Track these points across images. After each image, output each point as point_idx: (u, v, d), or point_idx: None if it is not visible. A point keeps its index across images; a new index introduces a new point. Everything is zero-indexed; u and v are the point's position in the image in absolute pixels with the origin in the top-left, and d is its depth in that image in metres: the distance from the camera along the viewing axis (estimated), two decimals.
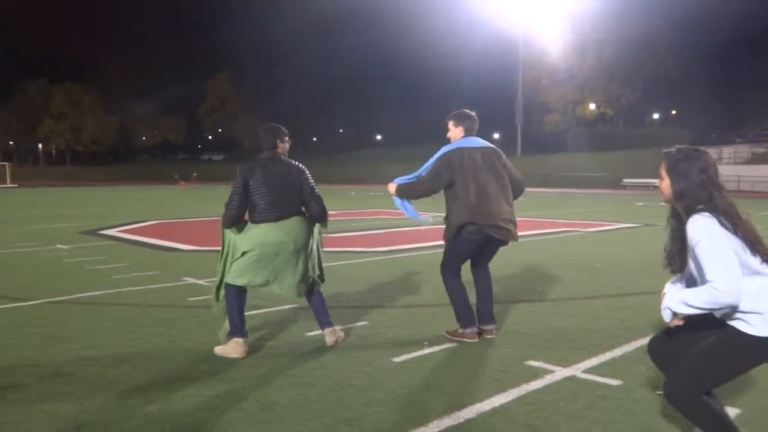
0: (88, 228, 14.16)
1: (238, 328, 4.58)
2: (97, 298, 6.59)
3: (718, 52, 65.19)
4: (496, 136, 74.80)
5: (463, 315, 4.94)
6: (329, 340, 4.77)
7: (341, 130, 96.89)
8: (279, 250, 4.50)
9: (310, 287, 4.76)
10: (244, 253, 4.55)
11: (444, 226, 5.00)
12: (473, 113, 5.12)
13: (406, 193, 5.14)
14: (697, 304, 2.61)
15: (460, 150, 4.88)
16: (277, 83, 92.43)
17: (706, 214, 2.65)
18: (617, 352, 4.59)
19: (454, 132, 5.05)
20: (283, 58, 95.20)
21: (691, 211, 2.70)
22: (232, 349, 4.50)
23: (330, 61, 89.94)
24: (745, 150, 49.11)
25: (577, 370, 4.19)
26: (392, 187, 5.18)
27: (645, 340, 4.02)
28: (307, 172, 4.76)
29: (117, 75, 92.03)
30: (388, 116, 77.54)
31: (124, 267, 8.56)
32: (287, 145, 4.80)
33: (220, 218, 4.71)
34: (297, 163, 4.75)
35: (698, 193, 2.72)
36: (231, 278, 4.58)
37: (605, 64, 66.26)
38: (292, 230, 4.54)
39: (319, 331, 4.92)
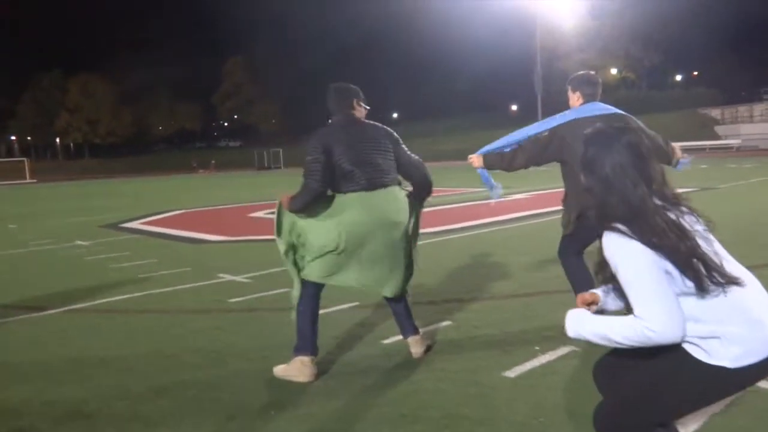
0: (109, 221, 13.28)
1: (308, 343, 3.59)
2: (123, 303, 5.66)
3: (742, 8, 62.77)
4: (514, 107, 73.29)
5: None
6: (416, 350, 3.78)
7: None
8: (377, 231, 3.50)
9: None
10: (330, 242, 3.52)
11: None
12: (594, 74, 4.21)
13: (497, 163, 4.21)
14: (619, 341, 1.89)
15: (576, 121, 3.96)
16: (290, 65, 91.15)
17: (620, 231, 1.88)
18: None
19: (572, 99, 4.16)
20: (296, 38, 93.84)
21: (601, 222, 1.94)
22: (298, 370, 3.53)
23: (342, 37, 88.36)
24: None
25: None
26: (477, 159, 4.26)
27: None
28: (397, 135, 3.76)
29: (131, 65, 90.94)
30: (401, 92, 76.04)
31: (150, 264, 7.64)
32: (364, 111, 3.80)
33: (281, 200, 3.68)
34: (382, 125, 3.76)
35: (608, 194, 1.95)
36: (315, 274, 3.57)
37: (626, 26, 64.18)
38: (391, 205, 3.56)
39: (398, 338, 3.95)
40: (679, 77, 74.73)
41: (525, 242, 7.81)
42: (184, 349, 4.21)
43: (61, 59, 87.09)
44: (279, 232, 3.70)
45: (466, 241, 8.15)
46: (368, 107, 3.83)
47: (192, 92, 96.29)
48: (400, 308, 3.79)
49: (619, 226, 1.89)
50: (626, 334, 1.87)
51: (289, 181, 30.27)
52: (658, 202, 1.95)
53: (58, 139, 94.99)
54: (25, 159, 60.93)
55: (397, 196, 3.62)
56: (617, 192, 1.93)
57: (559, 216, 4.19)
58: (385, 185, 3.57)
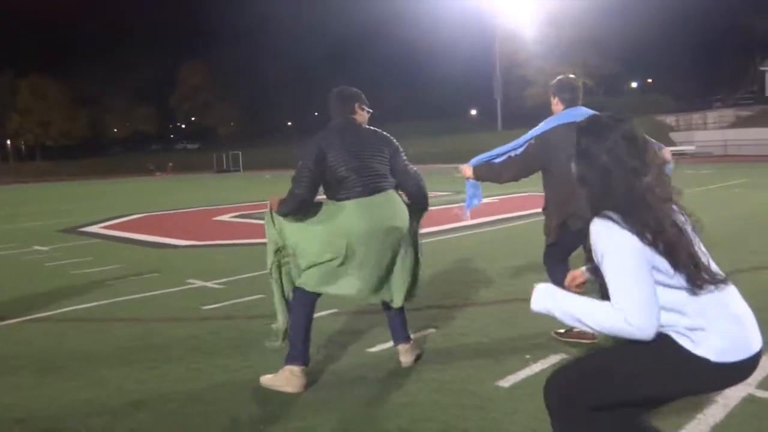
0: (67, 225, 12.84)
1: (299, 353, 3.46)
2: (91, 311, 5.42)
3: (696, 17, 64.57)
4: (474, 112, 73.85)
5: None
6: (406, 359, 3.68)
7: (316, 113, 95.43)
8: (375, 237, 3.38)
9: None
10: (327, 251, 3.40)
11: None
12: (574, 78, 4.20)
13: (487, 175, 4.18)
14: (591, 325, 1.88)
15: (558, 128, 3.97)
16: (252, 68, 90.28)
17: (611, 218, 1.87)
18: None
19: (554, 104, 4.16)
20: (256, 41, 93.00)
21: (595, 210, 1.93)
22: (286, 380, 3.39)
23: (304, 40, 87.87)
24: (729, 114, 48.71)
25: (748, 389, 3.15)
26: (468, 170, 4.22)
27: None
28: (396, 142, 3.66)
29: (84, 66, 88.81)
30: (367, 95, 75.20)
31: (115, 270, 7.37)
32: (366, 115, 3.70)
33: (270, 201, 3.54)
34: (381, 131, 3.65)
35: (603, 184, 1.92)
36: (311, 283, 3.44)
37: (583, 34, 65.37)
38: (389, 209, 3.45)
39: (385, 346, 3.86)
40: (634, 84, 76.53)
41: (499, 246, 7.78)
42: (160, 359, 4.03)
43: (10, 60, 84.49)
44: (270, 235, 3.56)
45: (439, 245, 8.09)
46: (371, 111, 3.74)
47: (148, 94, 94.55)
48: (398, 316, 3.69)
49: (611, 214, 1.86)
50: (600, 321, 1.86)
51: (248, 184, 29.89)
52: (655, 194, 1.91)
53: (8, 141, 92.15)
54: None
55: (395, 200, 3.52)
56: (614, 181, 1.90)
57: (530, 220, 4.18)
58: (382, 190, 3.47)
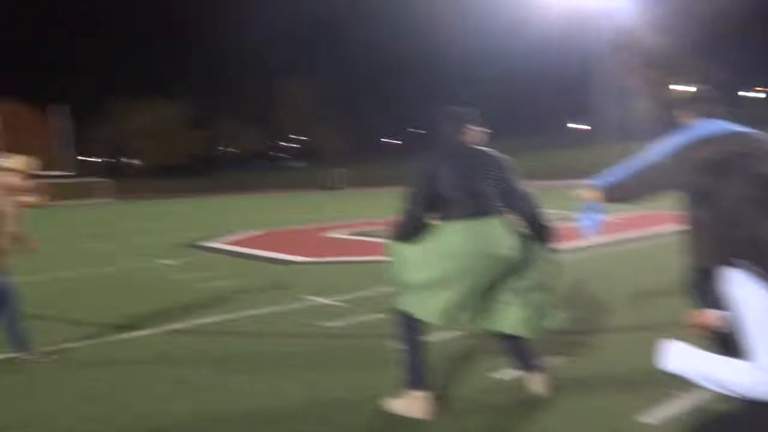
0: (191, 240, 13.53)
1: (419, 377, 3.43)
2: (218, 325, 5.65)
3: None
4: (575, 125, 71.80)
5: None
6: (537, 388, 3.57)
7: (422, 131, 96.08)
8: (481, 263, 3.29)
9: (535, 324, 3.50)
10: (432, 275, 3.35)
11: None
12: (709, 88, 3.88)
13: (618, 195, 3.92)
14: (728, 386, 1.74)
15: (692, 144, 3.66)
16: (352, 85, 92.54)
17: (744, 270, 1.75)
18: None
19: (683, 117, 3.86)
20: (356, 59, 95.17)
21: (722, 259, 1.88)
22: (413, 406, 3.37)
23: (408, 62, 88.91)
24: None
25: None
26: (592, 193, 3.93)
27: None
28: (510, 163, 3.58)
29: (197, 88, 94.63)
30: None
31: (237, 284, 7.66)
32: (479, 134, 3.64)
33: (389, 231, 3.58)
34: (494, 151, 3.59)
35: (732, 232, 1.84)
36: (410, 305, 3.41)
37: (695, 42, 62.35)
38: (494, 236, 3.34)
39: (510, 372, 3.76)
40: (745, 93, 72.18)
41: (623, 268, 7.46)
42: (285, 376, 4.11)
43: (135, 87, 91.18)
44: (397, 274, 3.53)
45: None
46: (487, 131, 3.69)
47: (256, 114, 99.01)
48: (514, 345, 3.58)
49: (743, 263, 1.68)
50: (740, 381, 1.67)
51: (354, 202, 30.41)
52: None
53: (134, 161, 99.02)
54: (105, 179, 63.61)
55: (504, 227, 3.40)
56: (742, 227, 1.72)
57: (656, 241, 3.92)
58: (489, 214, 3.38)
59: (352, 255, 10.15)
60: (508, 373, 3.88)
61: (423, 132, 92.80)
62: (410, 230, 3.44)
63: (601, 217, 4.24)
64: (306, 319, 5.72)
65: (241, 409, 3.59)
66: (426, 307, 3.35)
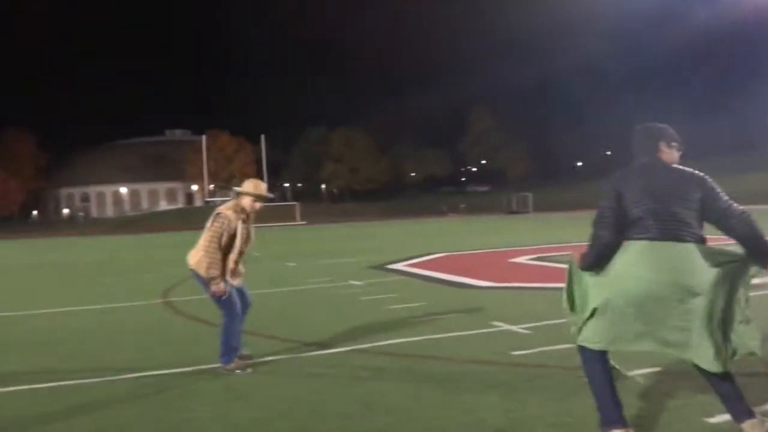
0: (376, 262, 13.88)
1: (614, 414, 3.11)
2: (405, 347, 5.61)
3: None
4: None
5: None
6: None
7: (608, 152, 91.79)
8: (663, 293, 2.98)
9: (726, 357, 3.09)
10: (601, 301, 3.12)
11: None
12: None
13: None
14: None
15: None
16: (535, 109, 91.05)
17: None
18: None
19: None
20: (543, 84, 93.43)
21: None
22: None
23: (594, 83, 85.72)
24: None
25: None
26: None
27: None
28: (712, 182, 3.18)
29: (384, 117, 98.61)
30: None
31: (421, 307, 7.64)
32: (676, 153, 3.32)
33: (574, 257, 3.32)
34: (693, 170, 3.21)
35: None
36: (586, 339, 3.17)
37: None
38: (685, 263, 3.00)
39: (725, 416, 3.26)
40: None
41: None
42: (482, 405, 3.92)
43: (323, 117, 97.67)
44: (571, 304, 3.31)
45: (761, 299, 6.91)
46: (682, 149, 3.33)
47: (440, 139, 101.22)
48: (723, 384, 3.09)
49: None
50: None
51: (539, 226, 29.57)
52: None
53: (323, 186, 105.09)
54: (296, 203, 68.08)
55: (696, 255, 3.01)
56: None
57: None
58: (680, 239, 3.02)
59: (534, 281, 9.79)
60: (725, 419, 3.38)
61: (613, 153, 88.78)
62: (599, 257, 3.19)
63: None
64: (491, 345, 5.50)
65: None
66: (598, 335, 3.13)
